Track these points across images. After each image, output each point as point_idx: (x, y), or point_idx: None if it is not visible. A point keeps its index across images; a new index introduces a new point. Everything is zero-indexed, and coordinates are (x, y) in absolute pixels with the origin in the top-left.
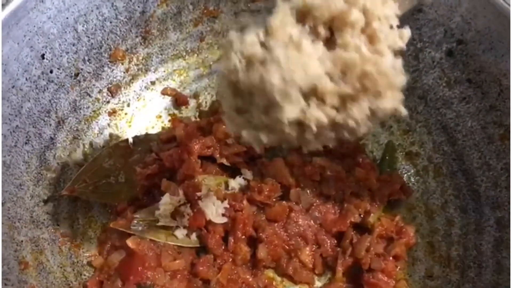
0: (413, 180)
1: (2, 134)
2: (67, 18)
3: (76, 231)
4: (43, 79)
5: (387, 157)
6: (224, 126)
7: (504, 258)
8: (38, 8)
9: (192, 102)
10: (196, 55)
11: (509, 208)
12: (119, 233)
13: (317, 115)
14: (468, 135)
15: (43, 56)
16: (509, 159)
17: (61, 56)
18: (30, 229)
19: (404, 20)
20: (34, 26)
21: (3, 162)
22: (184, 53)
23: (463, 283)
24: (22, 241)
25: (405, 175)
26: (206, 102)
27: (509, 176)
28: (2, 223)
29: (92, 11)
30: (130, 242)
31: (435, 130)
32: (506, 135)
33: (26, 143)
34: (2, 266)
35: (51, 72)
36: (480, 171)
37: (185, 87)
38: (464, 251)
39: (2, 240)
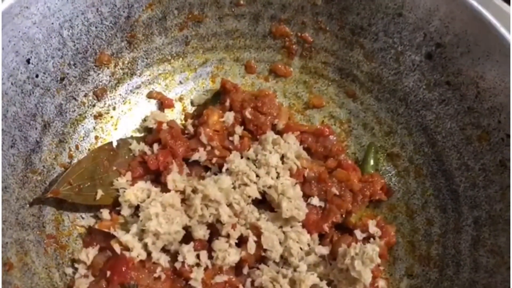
0: (394, 180)
1: None
2: (52, 23)
3: (62, 232)
4: (29, 84)
5: (369, 159)
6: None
7: (480, 256)
8: (23, 13)
9: (178, 105)
10: (181, 59)
11: (486, 208)
12: (104, 234)
13: None
14: (448, 136)
15: (28, 61)
16: (487, 159)
17: (46, 61)
18: (15, 231)
19: (386, 24)
20: (19, 32)
21: None
22: (170, 57)
23: (442, 281)
24: (7, 242)
25: (387, 176)
26: (191, 105)
27: (486, 176)
28: None
29: (77, 16)
30: (114, 244)
31: (415, 131)
32: (484, 136)
33: (11, 146)
34: None
35: (36, 76)
36: (459, 171)
37: (170, 91)
38: (443, 250)
39: None
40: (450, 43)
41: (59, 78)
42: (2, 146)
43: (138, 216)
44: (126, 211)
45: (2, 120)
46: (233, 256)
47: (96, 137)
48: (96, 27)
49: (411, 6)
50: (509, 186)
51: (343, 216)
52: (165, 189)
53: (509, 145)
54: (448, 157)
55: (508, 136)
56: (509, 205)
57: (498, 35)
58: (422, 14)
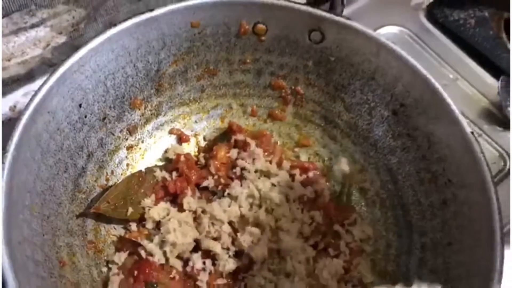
0: (364, 209)
1: (49, 165)
2: (99, 76)
3: (99, 239)
4: (79, 123)
5: (344, 190)
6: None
7: (423, 274)
8: (79, 70)
9: (193, 140)
10: (197, 103)
11: (430, 236)
12: (132, 242)
13: None
14: (406, 177)
15: (80, 105)
16: (434, 197)
17: (93, 105)
18: (66, 237)
19: (362, 85)
20: (76, 84)
21: (49, 186)
22: (188, 101)
23: None
24: (61, 246)
25: (358, 205)
26: (203, 140)
27: (432, 211)
28: (47, 233)
29: (118, 70)
30: (140, 250)
31: (382, 171)
32: (433, 179)
33: (65, 171)
34: (48, 264)
35: (85, 117)
36: (413, 205)
37: (188, 128)
38: (397, 268)
39: (48, 245)
40: (410, 104)
41: (101, 118)
42: (58, 171)
43: (159, 230)
44: (150, 225)
45: (59, 151)
46: (231, 264)
47: (127, 165)
48: (132, 78)
49: (382, 73)
50: (448, 220)
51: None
52: (181, 209)
53: (449, 188)
54: (406, 193)
55: (450, 181)
56: (447, 235)
57: (445, 103)
58: (390, 80)
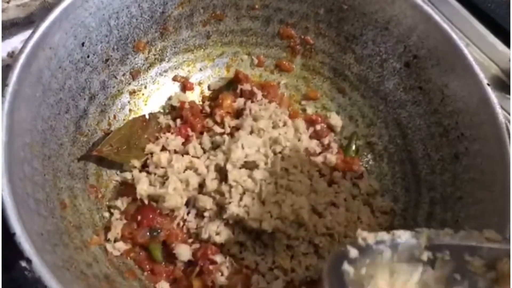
0: (371, 163)
1: (50, 104)
2: (103, 14)
3: (101, 184)
4: (82, 62)
5: (351, 144)
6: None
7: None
8: (83, 6)
9: (197, 88)
10: (202, 50)
11: (439, 190)
12: (135, 188)
13: None
14: (416, 131)
15: (83, 44)
16: (445, 152)
17: (96, 44)
18: (67, 179)
19: (375, 35)
20: (79, 20)
21: (50, 126)
22: (193, 48)
23: None
24: (62, 187)
25: (364, 159)
26: (208, 89)
27: (443, 165)
28: (48, 173)
29: (123, 9)
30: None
31: (391, 125)
32: (444, 133)
33: (66, 112)
34: (49, 204)
35: (88, 57)
36: (422, 160)
37: (192, 76)
38: (404, 222)
39: (49, 185)
40: (424, 56)
41: (104, 59)
42: (60, 111)
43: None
44: (153, 170)
45: (60, 91)
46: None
47: (130, 110)
48: (136, 19)
49: (396, 23)
50: (460, 174)
51: None
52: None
53: (462, 142)
54: (415, 148)
55: (463, 134)
56: (458, 189)
57: (462, 54)
58: (404, 30)
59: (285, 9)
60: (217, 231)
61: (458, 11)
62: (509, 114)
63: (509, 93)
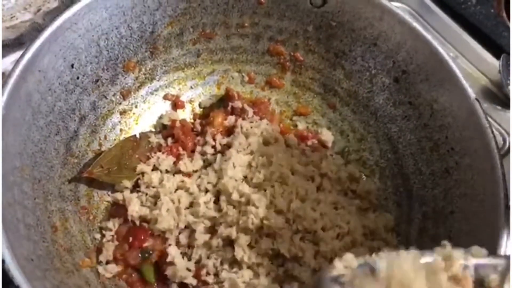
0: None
1: (40, 127)
2: (92, 35)
3: (92, 205)
4: (71, 84)
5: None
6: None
7: (424, 243)
8: (72, 28)
9: (188, 106)
10: (193, 68)
11: (431, 205)
12: (126, 209)
13: None
14: (407, 146)
15: (72, 66)
16: (435, 166)
17: (86, 66)
18: (58, 202)
19: (364, 51)
20: (68, 42)
21: (40, 149)
22: (183, 66)
23: None
24: (52, 210)
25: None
26: (199, 107)
27: (434, 179)
28: (38, 197)
29: (112, 30)
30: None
31: (382, 140)
32: (434, 148)
33: (56, 134)
34: (40, 228)
35: (77, 78)
36: (413, 175)
37: (183, 94)
38: (396, 236)
39: (40, 209)
40: (413, 71)
41: (94, 80)
42: (50, 134)
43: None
44: (144, 191)
45: (50, 113)
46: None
47: (121, 130)
48: (126, 39)
49: (384, 38)
50: (451, 189)
51: None
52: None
53: (452, 156)
54: (406, 162)
55: (453, 149)
56: (449, 203)
57: (450, 69)
58: (392, 46)
59: (274, 27)
60: (208, 253)
61: (447, 24)
62: (499, 125)
63: (499, 105)
